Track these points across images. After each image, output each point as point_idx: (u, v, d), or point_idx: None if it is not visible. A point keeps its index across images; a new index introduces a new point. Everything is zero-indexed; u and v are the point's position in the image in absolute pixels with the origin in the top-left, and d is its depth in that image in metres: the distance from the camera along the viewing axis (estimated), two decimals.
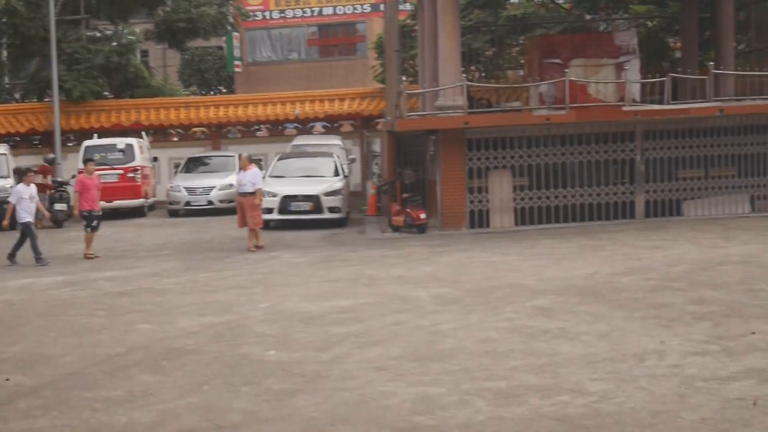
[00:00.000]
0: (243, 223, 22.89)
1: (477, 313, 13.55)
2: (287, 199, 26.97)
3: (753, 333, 11.54)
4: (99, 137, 35.14)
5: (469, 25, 34.66)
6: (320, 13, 56.63)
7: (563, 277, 16.22)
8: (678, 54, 33.58)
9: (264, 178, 25.53)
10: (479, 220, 24.56)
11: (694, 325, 12.20)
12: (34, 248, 21.37)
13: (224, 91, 61.54)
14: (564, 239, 21.44)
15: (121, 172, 32.52)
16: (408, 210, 24.47)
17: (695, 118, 24.64)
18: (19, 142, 37.57)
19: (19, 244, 21.74)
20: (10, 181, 30.00)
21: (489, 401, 9.28)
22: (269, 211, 26.14)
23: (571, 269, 17.08)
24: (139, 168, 32.96)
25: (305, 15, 56.77)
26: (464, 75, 24.72)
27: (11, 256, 21.61)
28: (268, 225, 25.14)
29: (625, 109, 24.36)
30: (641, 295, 14.33)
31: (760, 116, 24.86)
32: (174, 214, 33.09)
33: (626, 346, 11.19)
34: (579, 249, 19.76)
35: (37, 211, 22.57)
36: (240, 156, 24.03)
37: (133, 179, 32.72)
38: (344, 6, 56.41)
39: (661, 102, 24.82)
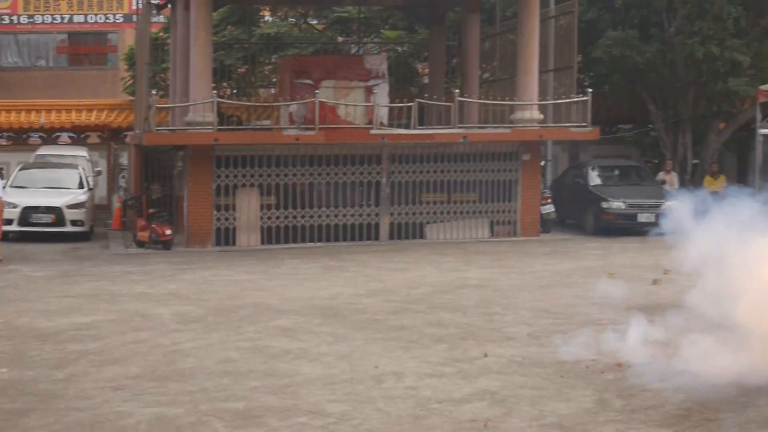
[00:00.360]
0: None
1: (219, 332, 13.48)
2: (28, 211, 26.13)
3: (486, 355, 11.93)
4: None
5: (222, 42, 34.54)
6: (71, 20, 55.16)
7: (306, 298, 16.33)
8: (426, 80, 34.41)
9: (4, 188, 24.64)
10: (226, 238, 24.45)
11: (432, 347, 12.50)
12: None
13: None
14: (309, 259, 21.60)
15: None
16: (154, 226, 24.12)
17: (440, 143, 25.29)
18: None
19: None
20: None
21: (227, 422, 9.24)
22: (9, 222, 25.24)
23: (314, 290, 17.22)
24: None
25: (55, 21, 55.18)
26: (215, 91, 24.61)
27: None
28: (7, 237, 24.27)
29: (372, 132, 24.78)
30: (382, 317, 14.58)
31: (500, 144, 25.75)
32: None
33: (365, 368, 11.36)
34: (323, 269, 19.94)
35: None
36: None
37: None
38: (96, 15, 55.18)
39: (407, 126, 25.36)
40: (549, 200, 27.04)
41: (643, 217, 25.35)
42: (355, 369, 11.32)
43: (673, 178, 28.09)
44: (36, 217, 26.14)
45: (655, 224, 20.04)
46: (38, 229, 26.11)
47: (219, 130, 24.23)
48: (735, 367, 10.48)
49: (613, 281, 17.59)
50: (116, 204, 30.02)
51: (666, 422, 9.07)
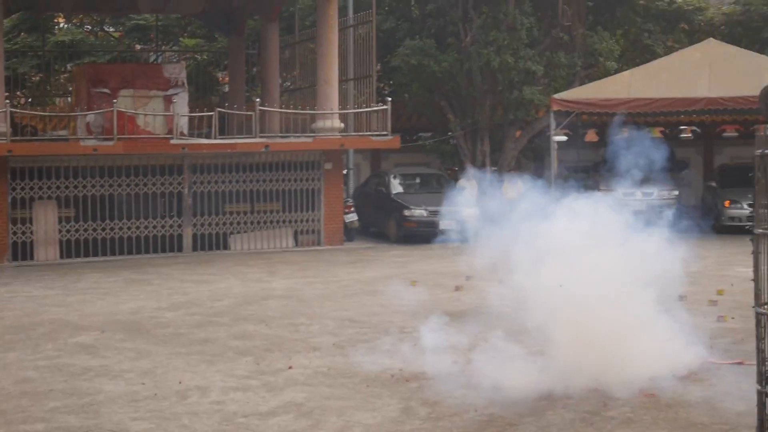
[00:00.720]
0: None
1: (16, 351, 13.06)
2: None
3: (290, 367, 11.90)
4: None
5: (15, 49, 33.54)
6: None
7: (108, 313, 15.98)
8: (227, 89, 34.19)
9: None
10: (23, 252, 23.71)
11: (237, 360, 12.40)
12: None
13: None
14: (111, 273, 21.14)
15: None
16: None
17: (242, 153, 25.15)
18: None
19: None
20: None
21: None
22: None
23: (116, 304, 16.87)
24: None
25: None
26: (8, 101, 23.86)
27: None
28: None
29: (173, 142, 24.45)
30: (186, 331, 14.40)
31: (303, 153, 25.78)
32: None
33: (169, 384, 11.19)
34: (125, 283, 19.56)
35: None
36: None
37: None
38: None
39: (208, 136, 25.13)
40: (352, 209, 27.21)
41: (444, 224, 25.74)
42: (158, 385, 11.13)
43: (473, 185, 28.62)
44: None
45: (456, 231, 20.38)
46: None
47: (13, 140, 23.48)
48: (536, 373, 10.75)
49: (417, 288, 17.82)
50: None
51: (470, 428, 9.22)
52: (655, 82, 26.45)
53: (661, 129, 33.71)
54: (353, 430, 9.31)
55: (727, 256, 21.12)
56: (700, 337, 11.71)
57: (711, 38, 29.41)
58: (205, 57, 36.34)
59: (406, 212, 26.46)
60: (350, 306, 16.27)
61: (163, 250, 24.64)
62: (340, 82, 26.80)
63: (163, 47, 36.75)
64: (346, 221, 26.68)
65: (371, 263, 22.34)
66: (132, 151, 24.13)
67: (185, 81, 26.71)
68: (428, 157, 31.98)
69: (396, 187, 27.92)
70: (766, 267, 7.32)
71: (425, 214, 26.27)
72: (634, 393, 10.10)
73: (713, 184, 29.16)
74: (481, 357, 11.92)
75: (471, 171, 28.68)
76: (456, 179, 29.36)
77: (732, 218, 26.85)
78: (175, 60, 33.67)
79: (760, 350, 7.37)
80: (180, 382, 11.24)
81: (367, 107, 26.70)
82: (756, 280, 7.39)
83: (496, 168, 30.31)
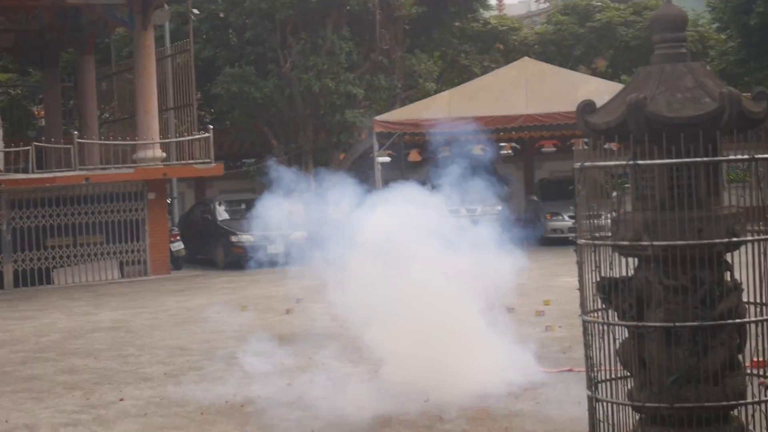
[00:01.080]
0: None
1: None
2: None
3: (122, 399, 11.65)
4: None
5: None
6: None
7: None
8: (43, 122, 33.42)
9: None
10: None
11: (66, 395, 12.08)
12: None
13: None
14: None
15: None
16: None
17: (62, 186, 24.59)
18: None
19: None
20: None
21: None
22: None
23: None
24: None
25: None
26: None
27: None
28: None
29: None
30: (11, 368, 13.97)
31: (125, 184, 25.36)
32: None
33: None
34: None
35: None
36: None
37: None
38: None
39: (26, 171, 24.49)
40: (178, 237, 26.88)
41: (272, 249, 25.63)
42: None
43: (299, 208, 28.57)
44: None
45: (285, 254, 20.29)
46: None
47: None
48: (371, 392, 10.78)
49: (247, 313, 17.71)
50: None
51: None
52: (474, 101, 26.96)
53: (482, 147, 34.34)
54: None
55: (552, 267, 21.64)
56: (529, 347, 11.95)
57: (526, 57, 30.20)
58: (19, 91, 35.44)
59: (234, 238, 26.27)
60: (180, 334, 16.05)
61: None
62: (161, 111, 26.53)
63: None
64: (173, 250, 26.35)
65: (200, 291, 22.10)
66: None
67: None
68: (253, 183, 31.84)
69: (222, 213, 27.72)
70: (589, 276, 7.52)
71: (252, 240, 26.11)
72: (467, 407, 10.20)
73: (534, 197, 29.87)
74: (314, 379, 11.93)
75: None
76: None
77: (554, 230, 27.56)
78: None
79: (588, 357, 7.55)
80: (6, 421, 10.88)
81: (189, 135, 26.45)
82: (581, 288, 7.57)
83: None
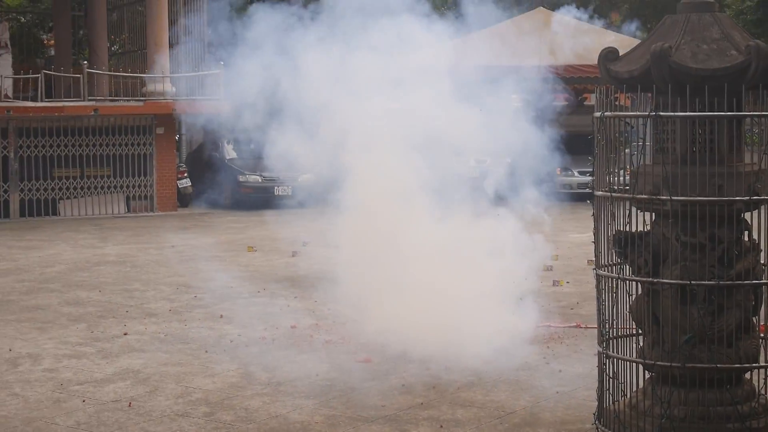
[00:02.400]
0: None
1: None
2: None
3: (125, 333, 11.61)
4: None
5: None
6: None
7: None
8: (53, 52, 33.20)
9: None
10: None
11: (70, 326, 12.04)
12: None
13: None
14: None
15: None
16: None
17: (70, 116, 24.44)
18: None
19: None
20: None
21: None
22: None
23: None
24: None
25: None
26: None
27: None
28: None
29: None
30: (15, 297, 13.93)
31: (133, 117, 25.22)
32: None
33: None
34: None
35: None
36: None
37: None
38: None
39: (35, 99, 24.35)
40: (185, 174, 26.78)
41: (279, 191, 25.57)
42: None
43: (309, 150, 28.44)
44: None
45: (291, 197, 20.21)
46: None
47: None
48: (377, 335, 10.74)
49: (253, 254, 17.67)
50: None
51: (311, 393, 9.13)
52: (484, 50, 26.65)
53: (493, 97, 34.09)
54: (193, 396, 9.12)
55: (560, 223, 21.51)
56: (537, 301, 11.90)
57: (540, 7, 29.89)
58: (29, 18, 35.18)
59: (241, 178, 26.17)
60: (186, 272, 15.98)
61: None
62: (172, 46, 26.29)
63: None
64: (180, 187, 26.26)
65: (206, 229, 22.04)
66: None
67: (8, 42, 25.83)
68: None
69: (230, 152, 27.58)
70: (605, 229, 7.42)
71: (260, 180, 26.03)
72: (473, 360, 10.12)
73: (545, 152, 29.68)
74: (320, 322, 11.90)
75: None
76: None
77: (564, 185, 27.40)
78: None
79: (600, 312, 7.47)
80: (10, 350, 10.85)
81: (199, 72, 26.26)
82: (596, 242, 7.48)
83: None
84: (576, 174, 26.80)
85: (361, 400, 8.93)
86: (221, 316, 12.45)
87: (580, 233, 19.36)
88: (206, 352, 10.74)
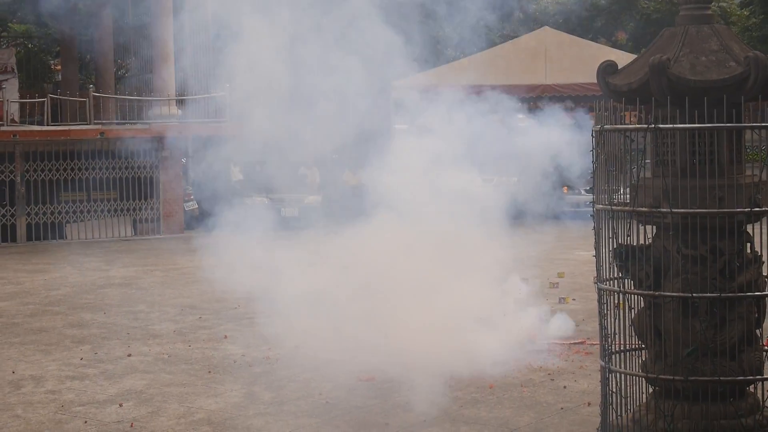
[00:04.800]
0: None
1: None
2: None
3: (129, 355, 11.58)
4: None
5: None
6: None
7: None
8: (59, 76, 33.31)
9: None
10: None
11: (74, 348, 12.02)
12: None
13: None
14: None
15: None
16: None
17: (77, 140, 24.48)
18: None
19: None
20: None
21: None
22: None
23: None
24: None
25: None
26: None
27: None
28: None
29: (3, 129, 23.64)
30: (20, 320, 13.91)
31: (139, 140, 25.22)
32: None
33: (2, 374, 10.76)
34: None
35: None
36: None
37: None
38: None
39: (41, 123, 24.40)
40: (192, 196, 26.78)
41: (286, 212, 25.54)
42: None
43: (315, 172, 28.48)
44: None
45: (298, 218, 20.16)
46: None
47: None
48: (380, 357, 10.66)
49: (257, 274, 17.60)
50: None
51: (314, 412, 9.09)
52: (492, 69, 26.72)
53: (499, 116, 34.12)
54: (195, 416, 9.09)
55: (567, 240, 21.49)
56: (542, 318, 11.86)
57: (546, 26, 29.93)
58: (36, 43, 35.30)
59: (247, 199, 26.14)
60: (191, 293, 15.98)
61: None
62: (177, 68, 26.33)
63: None
64: (186, 209, 26.25)
65: (212, 250, 21.94)
66: None
67: (15, 67, 25.93)
68: None
69: (236, 174, 27.57)
70: (606, 243, 7.37)
71: (266, 202, 25.98)
72: (479, 376, 10.07)
73: (551, 169, 29.63)
74: (324, 342, 11.83)
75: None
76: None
77: (571, 204, 27.34)
78: (4, 46, 32.61)
79: (602, 326, 7.42)
80: (13, 372, 10.82)
81: (205, 94, 26.29)
82: (597, 256, 7.43)
83: (336, 156, 30.22)
84: (583, 192, 26.75)
85: (364, 418, 8.89)
86: (225, 337, 12.43)
87: (586, 251, 19.28)
88: (209, 372, 10.71)
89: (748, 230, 7.19)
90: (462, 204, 11.82)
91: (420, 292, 10.89)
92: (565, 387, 9.76)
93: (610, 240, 7.27)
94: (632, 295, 7.24)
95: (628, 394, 7.30)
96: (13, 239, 24.03)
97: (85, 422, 8.93)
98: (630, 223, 7.18)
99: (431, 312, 10.71)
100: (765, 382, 7.16)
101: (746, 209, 6.89)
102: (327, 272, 13.33)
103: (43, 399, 9.75)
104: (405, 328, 10.74)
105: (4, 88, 24.92)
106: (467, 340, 10.58)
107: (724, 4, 33.69)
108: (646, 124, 7.03)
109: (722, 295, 6.90)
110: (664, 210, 6.93)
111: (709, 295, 6.91)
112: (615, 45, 32.64)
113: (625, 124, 7.28)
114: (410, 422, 8.71)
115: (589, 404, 9.05)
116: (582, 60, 26.07)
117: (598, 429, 7.66)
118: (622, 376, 7.31)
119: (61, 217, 24.69)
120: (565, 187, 27.73)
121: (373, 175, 12.50)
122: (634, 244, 7.21)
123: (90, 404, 9.53)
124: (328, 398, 9.50)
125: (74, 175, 24.74)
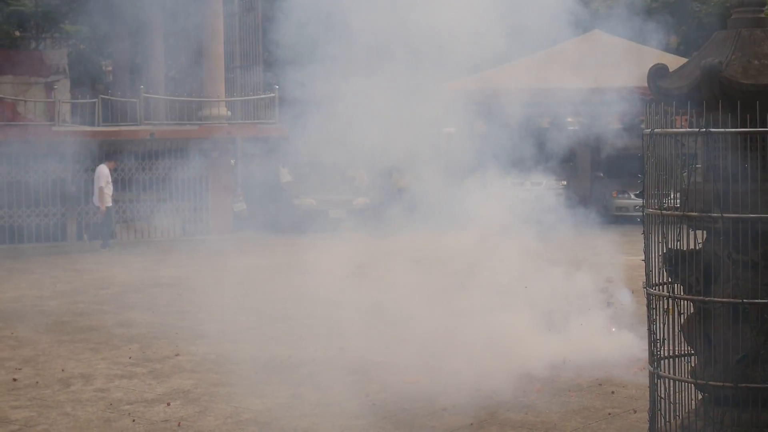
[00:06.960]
0: None
1: None
2: None
3: (177, 354, 11.64)
4: None
5: None
6: None
7: None
8: (111, 77, 33.56)
9: None
10: None
11: (122, 347, 12.10)
12: None
13: None
14: None
15: None
16: None
17: (127, 140, 24.65)
18: None
19: None
20: None
21: None
22: None
23: None
24: None
25: None
26: None
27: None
28: None
29: (55, 129, 23.86)
30: (70, 319, 14.03)
31: (188, 141, 25.37)
32: None
33: (52, 371, 10.85)
34: (7, 272, 19.01)
35: None
36: None
37: None
38: None
39: (92, 123, 24.59)
40: (241, 197, 26.89)
41: (333, 213, 25.58)
42: (40, 373, 10.79)
43: (363, 174, 28.49)
44: None
45: (345, 220, 20.16)
46: None
47: None
48: (424, 359, 10.65)
49: (305, 275, 17.62)
50: None
51: (361, 414, 9.09)
52: (543, 72, 26.58)
53: (548, 119, 33.97)
54: (242, 416, 9.11)
55: (616, 245, 21.31)
56: (593, 323, 11.80)
57: (597, 29, 29.73)
58: (87, 45, 35.56)
59: (296, 201, 26.22)
60: (239, 294, 16.02)
61: (47, 239, 24.03)
62: (227, 69, 26.46)
63: (44, 34, 35.84)
64: (235, 209, 26.37)
65: (260, 251, 22.08)
66: (12, 138, 23.46)
67: (66, 68, 26.15)
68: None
69: (285, 175, 27.66)
70: (655, 248, 7.30)
71: (314, 203, 26.05)
72: (528, 378, 10.05)
73: (601, 174, 29.48)
74: (370, 344, 11.83)
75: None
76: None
77: (620, 208, 27.18)
78: (56, 47, 32.88)
79: (651, 331, 7.35)
80: (63, 370, 10.91)
81: (254, 95, 26.42)
82: (647, 260, 7.37)
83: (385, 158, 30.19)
84: (632, 197, 26.59)
85: (410, 420, 8.87)
86: (272, 338, 12.45)
87: (635, 255, 19.14)
88: (256, 373, 10.73)
89: None
90: (510, 207, 11.81)
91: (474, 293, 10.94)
92: (612, 392, 9.69)
93: (660, 245, 7.20)
94: (682, 301, 7.17)
95: (677, 401, 7.23)
96: (64, 238, 24.23)
97: (133, 421, 8.99)
98: (680, 227, 7.11)
99: (484, 314, 10.74)
100: None
101: None
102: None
103: (92, 397, 9.82)
104: (454, 329, 10.75)
105: (56, 88, 25.13)
106: (512, 345, 10.56)
107: None
108: (697, 128, 6.96)
109: None
110: (715, 215, 6.86)
111: (760, 301, 6.83)
112: (667, 49, 32.33)
113: (675, 128, 7.22)
114: (456, 425, 8.68)
115: (635, 411, 8.99)
116: (633, 64, 25.86)
117: None
118: (671, 381, 7.24)
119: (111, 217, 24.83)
120: (615, 192, 27.57)
121: (422, 179, 12.52)
122: (684, 249, 7.14)
123: (138, 403, 9.59)
124: (374, 400, 9.49)
125: (124, 175, 24.93)
